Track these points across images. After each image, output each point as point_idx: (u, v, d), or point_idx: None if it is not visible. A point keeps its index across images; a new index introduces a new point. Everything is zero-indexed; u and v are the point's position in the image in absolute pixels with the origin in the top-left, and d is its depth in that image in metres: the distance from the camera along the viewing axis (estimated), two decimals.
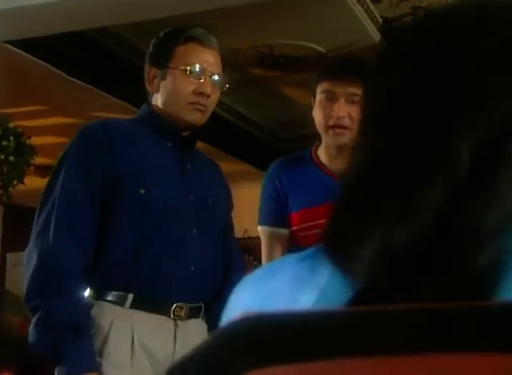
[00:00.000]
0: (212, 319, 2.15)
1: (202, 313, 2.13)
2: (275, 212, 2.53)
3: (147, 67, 2.21)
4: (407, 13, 5.13)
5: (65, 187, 1.98)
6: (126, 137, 2.11)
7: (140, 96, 5.58)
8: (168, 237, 2.04)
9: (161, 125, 2.17)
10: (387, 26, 5.20)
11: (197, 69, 2.13)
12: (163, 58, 2.17)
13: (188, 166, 2.17)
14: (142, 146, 2.12)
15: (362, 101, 0.77)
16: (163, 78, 2.17)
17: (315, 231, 2.39)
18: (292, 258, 0.69)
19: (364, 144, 0.67)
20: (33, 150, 5.51)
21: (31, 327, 1.90)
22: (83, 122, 5.96)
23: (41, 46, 4.65)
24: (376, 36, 5.13)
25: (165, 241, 2.03)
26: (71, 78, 4.98)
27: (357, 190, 0.64)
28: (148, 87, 2.22)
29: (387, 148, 0.63)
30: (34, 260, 1.92)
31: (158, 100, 2.19)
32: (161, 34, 2.23)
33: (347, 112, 2.33)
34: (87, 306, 1.98)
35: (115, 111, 5.36)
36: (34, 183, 6.42)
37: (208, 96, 2.14)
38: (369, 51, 5.22)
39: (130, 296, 1.98)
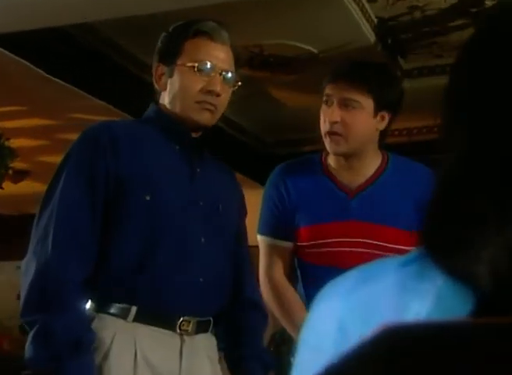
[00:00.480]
0: (223, 333, 2.12)
1: (211, 327, 2.06)
2: (279, 223, 2.43)
3: (154, 64, 2.14)
4: (403, 13, 4.96)
5: (65, 192, 1.93)
6: (132, 138, 2.03)
7: (124, 98, 5.40)
8: (174, 246, 1.97)
9: (169, 126, 2.09)
10: (382, 27, 5.02)
11: (206, 66, 2.04)
12: (171, 54, 2.09)
13: (198, 170, 2.09)
14: (148, 148, 2.04)
15: (448, 93, 0.69)
16: (170, 75, 2.09)
17: (325, 249, 2.32)
18: (388, 263, 0.68)
19: (456, 141, 0.64)
20: (12, 153, 5.29)
21: (28, 343, 1.82)
22: (63, 124, 5.92)
23: (19, 42, 4.46)
24: (371, 36, 4.95)
25: (172, 250, 1.96)
26: (51, 77, 4.78)
27: (457, 188, 0.61)
28: (156, 85, 2.14)
29: (483, 145, 0.60)
30: (32, 271, 1.85)
31: (165, 99, 2.12)
32: (170, 28, 2.15)
33: (340, 117, 2.27)
34: (88, 320, 1.92)
35: (98, 113, 5.27)
36: (7, 188, 6.19)
37: (218, 95, 2.05)
38: (364, 52, 5.11)
39: (134, 309, 1.92)
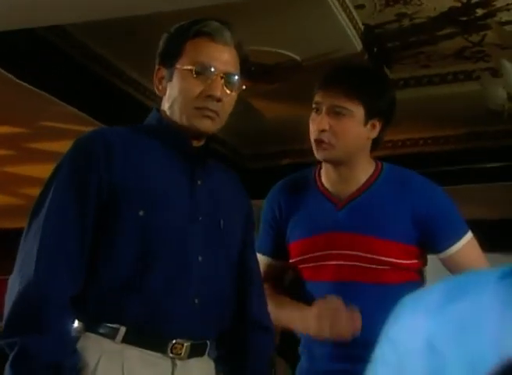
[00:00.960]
0: (227, 356, 2.06)
1: (207, 351, 1.97)
2: (274, 243, 2.43)
3: (156, 67, 2.04)
4: (390, 20, 4.80)
5: (53, 205, 1.85)
6: (128, 147, 1.93)
7: (98, 105, 5.17)
8: (168, 266, 1.88)
9: (169, 134, 1.99)
10: (369, 34, 4.85)
11: (206, 69, 1.94)
12: (171, 56, 2.00)
13: (198, 183, 1.98)
14: (145, 158, 1.95)
15: None
16: (170, 79, 1.99)
17: (312, 264, 2.29)
18: (483, 275, 0.64)
19: None
20: None
21: (7, 367, 1.72)
22: (34, 132, 5.69)
23: None
24: (358, 44, 4.78)
25: (166, 270, 1.87)
26: (21, 82, 4.55)
27: None
28: (156, 90, 2.05)
29: None
30: (16, 289, 1.76)
31: (165, 105, 2.02)
32: (172, 28, 2.06)
33: (329, 124, 2.21)
34: (72, 342, 1.83)
35: (71, 121, 5.10)
36: None
37: (219, 100, 1.94)
38: (349, 60, 4.93)
39: (123, 329, 1.83)
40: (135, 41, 4.49)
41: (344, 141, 2.22)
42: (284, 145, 6.73)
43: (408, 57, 5.25)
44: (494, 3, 4.58)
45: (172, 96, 1.98)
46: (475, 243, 2.30)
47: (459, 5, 4.59)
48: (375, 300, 2.15)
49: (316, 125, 2.24)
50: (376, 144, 2.33)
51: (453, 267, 2.26)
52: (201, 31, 1.98)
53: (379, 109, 2.26)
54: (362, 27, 4.78)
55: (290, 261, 2.36)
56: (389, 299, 2.30)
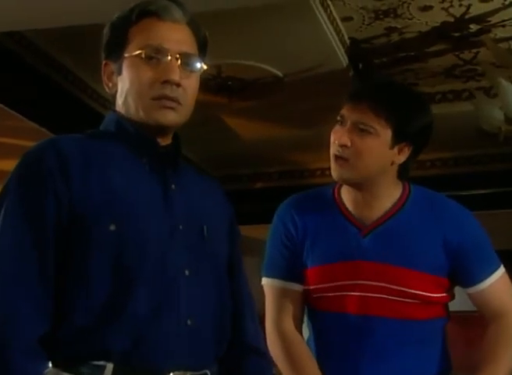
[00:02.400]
0: None
1: None
2: (289, 263, 2.18)
3: (102, 63, 1.81)
4: (379, 35, 4.53)
5: (6, 235, 1.63)
6: (86, 155, 1.69)
7: (61, 119, 4.79)
8: (151, 285, 1.65)
9: (130, 135, 1.75)
10: (354, 49, 4.57)
11: (156, 51, 1.70)
12: (116, 47, 1.76)
13: (172, 187, 1.74)
14: (108, 166, 1.70)
15: None
16: (119, 73, 1.75)
17: (333, 294, 2.11)
18: None
19: None
20: None
21: None
22: None
23: None
24: (344, 59, 4.48)
25: (149, 290, 1.65)
26: None
27: None
28: (106, 89, 1.81)
29: None
30: None
31: (119, 102, 1.78)
32: (114, 17, 1.81)
33: (351, 141, 2.03)
34: None
35: (29, 136, 4.70)
36: None
37: (178, 85, 1.69)
38: (334, 77, 4.66)
39: (110, 366, 1.61)
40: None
41: (365, 161, 2.05)
42: (258, 168, 6.45)
43: (395, 74, 5.01)
44: (489, 19, 4.36)
45: (123, 90, 1.75)
46: (507, 279, 2.15)
47: (452, 19, 4.36)
48: (400, 337, 2.05)
49: (337, 139, 2.06)
50: (404, 171, 2.13)
51: (481, 303, 2.13)
52: (145, 11, 1.75)
53: (409, 133, 2.06)
54: (348, 41, 4.50)
55: (306, 288, 2.17)
56: (414, 337, 1.97)
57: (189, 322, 1.70)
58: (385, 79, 2.26)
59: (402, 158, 2.07)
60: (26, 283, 1.64)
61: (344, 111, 2.07)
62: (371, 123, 2.02)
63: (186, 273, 1.73)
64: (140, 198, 1.72)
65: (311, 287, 2.15)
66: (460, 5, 4.20)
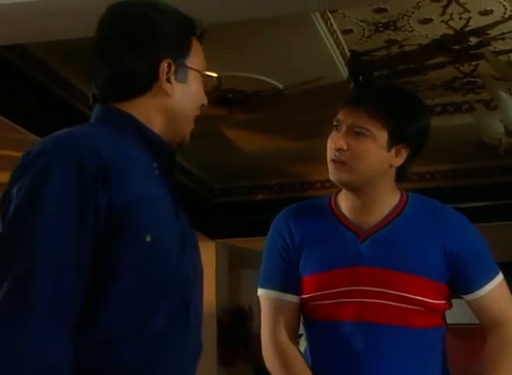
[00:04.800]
0: None
1: None
2: (285, 274, 2.16)
3: (154, 54, 1.65)
4: (379, 47, 4.53)
5: (48, 238, 1.46)
6: (120, 158, 1.57)
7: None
8: (170, 297, 1.60)
9: (151, 139, 1.67)
10: (355, 61, 4.57)
11: (204, 76, 1.72)
12: (180, 50, 1.67)
13: (178, 197, 1.71)
14: (134, 172, 1.60)
15: None
16: (182, 80, 1.67)
17: (331, 301, 2.09)
18: None
19: None
20: None
21: None
22: None
23: None
24: (344, 71, 4.48)
25: (169, 307, 1.59)
26: None
27: None
28: (165, 87, 1.66)
29: None
30: None
31: (157, 107, 1.68)
32: (159, 11, 1.69)
33: (347, 144, 2.04)
34: None
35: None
36: None
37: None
38: (335, 89, 4.65)
39: None
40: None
41: (363, 163, 2.05)
42: (259, 180, 6.42)
43: None
44: (489, 32, 4.36)
45: (183, 101, 1.69)
46: (505, 286, 2.14)
47: (452, 32, 4.35)
48: (402, 345, 2.03)
49: (334, 143, 2.07)
50: (402, 174, 2.13)
51: (480, 311, 2.12)
52: (204, 33, 1.74)
53: (406, 135, 2.06)
54: (348, 54, 4.50)
55: (303, 297, 2.14)
56: (417, 345, 1.94)
57: (193, 335, 1.69)
58: (381, 83, 2.26)
59: (400, 161, 2.07)
60: (68, 306, 1.51)
61: (340, 116, 2.08)
62: (366, 125, 2.03)
63: (192, 284, 1.70)
64: (165, 207, 1.66)
65: (309, 296, 2.13)
66: (460, 18, 4.19)
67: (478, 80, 4.85)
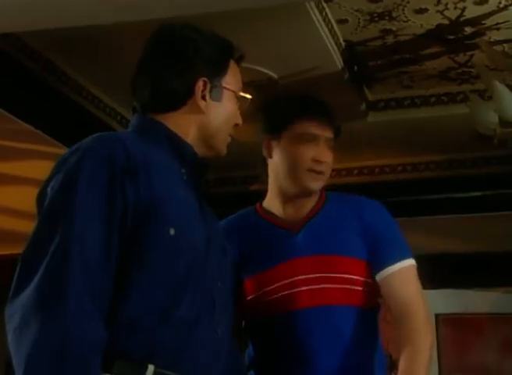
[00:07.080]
0: None
1: None
2: None
3: (191, 71, 1.82)
4: (373, 37, 4.52)
5: (81, 231, 1.59)
6: (147, 157, 1.71)
7: (56, 121, 4.75)
8: (198, 293, 1.71)
9: (180, 147, 1.81)
10: (349, 51, 4.55)
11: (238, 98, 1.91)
12: (217, 70, 1.84)
13: (203, 201, 1.84)
14: (161, 170, 1.73)
15: None
16: (217, 99, 1.83)
17: (275, 296, 2.19)
18: None
19: None
20: None
21: None
22: None
23: None
24: (339, 62, 4.46)
25: (196, 299, 1.70)
26: None
27: None
28: (200, 104, 1.83)
29: None
30: (38, 327, 1.50)
31: (191, 121, 1.83)
32: (197, 32, 1.89)
33: (328, 157, 2.30)
34: None
35: (24, 139, 4.75)
36: None
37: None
38: (330, 80, 4.64)
39: (151, 368, 1.61)
40: (97, 56, 4.21)
41: (330, 171, 2.33)
42: (254, 170, 6.41)
43: (390, 77, 4.99)
44: (483, 22, 4.34)
45: (216, 118, 1.85)
46: (415, 273, 2.25)
47: (447, 22, 4.34)
48: (352, 322, 2.17)
49: (318, 156, 2.26)
50: None
51: (388, 293, 2.21)
52: (241, 57, 1.95)
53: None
54: (343, 44, 4.48)
55: (245, 300, 2.23)
56: (360, 323, 2.14)
57: (218, 331, 1.76)
58: (307, 94, 2.44)
59: None
60: (99, 286, 1.60)
61: (315, 130, 2.26)
62: (332, 137, 2.29)
63: (219, 284, 1.80)
64: (189, 207, 1.78)
65: (255, 295, 2.22)
66: (455, 8, 4.18)
67: (472, 70, 4.83)
